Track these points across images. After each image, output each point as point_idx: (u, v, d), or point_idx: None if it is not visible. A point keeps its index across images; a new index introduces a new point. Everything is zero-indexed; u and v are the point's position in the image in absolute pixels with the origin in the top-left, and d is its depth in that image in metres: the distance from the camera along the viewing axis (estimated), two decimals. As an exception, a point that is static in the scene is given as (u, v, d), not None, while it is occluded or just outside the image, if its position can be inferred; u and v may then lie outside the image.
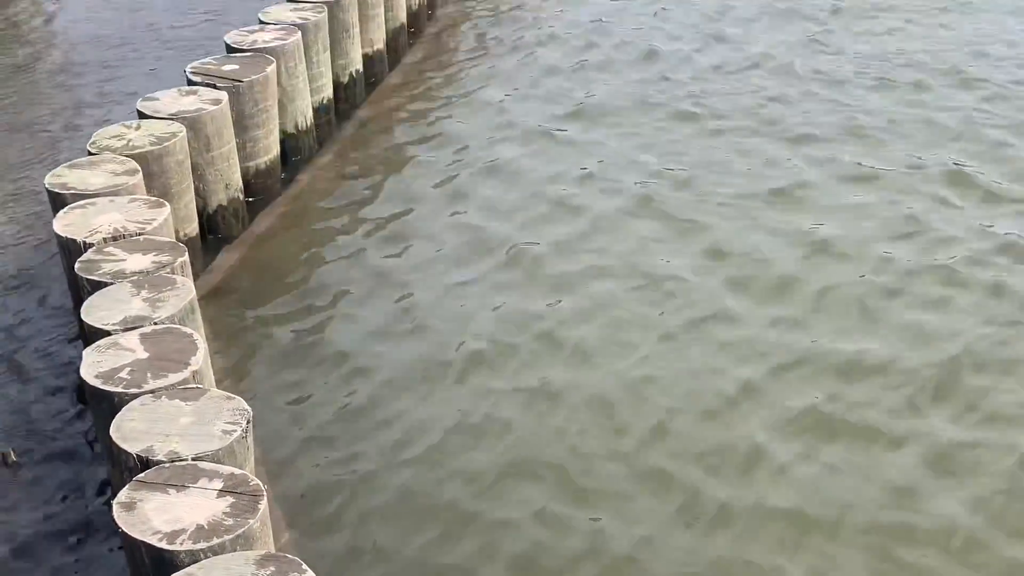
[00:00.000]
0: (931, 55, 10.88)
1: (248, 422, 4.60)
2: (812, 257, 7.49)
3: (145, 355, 4.97)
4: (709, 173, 8.66)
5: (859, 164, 8.71)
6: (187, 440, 4.47)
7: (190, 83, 8.05)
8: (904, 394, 6.15)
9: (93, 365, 4.92)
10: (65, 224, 6.17)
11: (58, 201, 6.48)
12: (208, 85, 7.94)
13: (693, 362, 6.47)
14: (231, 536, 3.99)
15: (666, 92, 10.15)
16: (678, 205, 8.20)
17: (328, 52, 9.49)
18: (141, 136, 7.14)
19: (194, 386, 4.83)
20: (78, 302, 5.70)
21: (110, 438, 4.51)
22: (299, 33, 8.84)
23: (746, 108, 9.80)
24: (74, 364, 6.32)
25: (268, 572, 3.82)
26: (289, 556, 3.91)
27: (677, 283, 7.21)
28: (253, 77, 8.06)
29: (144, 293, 5.46)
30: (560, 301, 7.05)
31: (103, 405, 4.82)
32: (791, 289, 7.14)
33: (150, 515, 4.10)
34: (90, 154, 6.98)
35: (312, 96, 9.23)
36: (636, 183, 8.51)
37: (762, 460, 5.70)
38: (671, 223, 7.96)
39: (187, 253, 5.93)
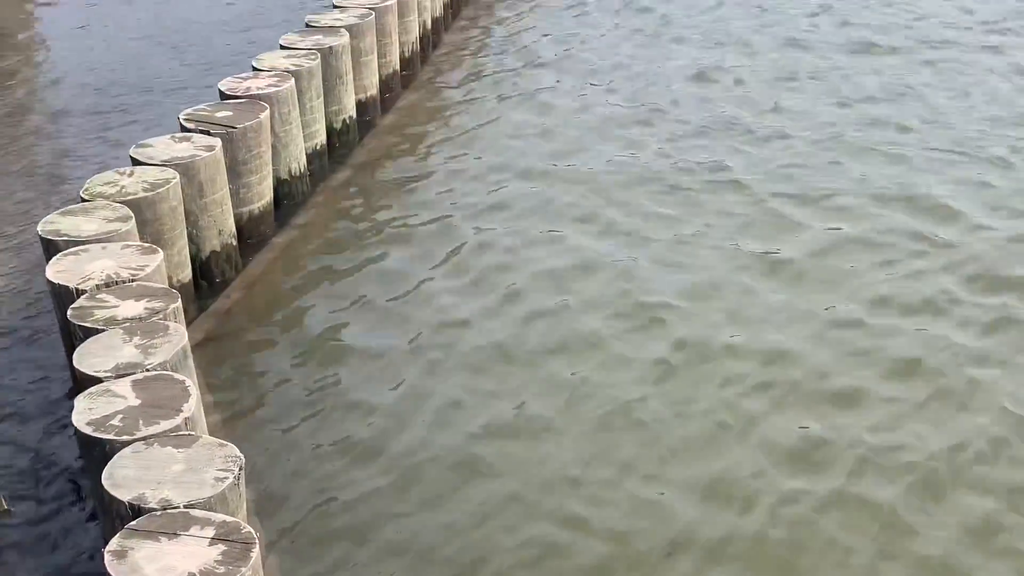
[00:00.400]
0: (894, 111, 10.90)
1: (240, 469, 4.58)
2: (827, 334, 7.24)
3: (137, 402, 4.96)
4: (694, 231, 8.62)
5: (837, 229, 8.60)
6: (179, 487, 4.44)
7: (184, 130, 8.08)
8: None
9: (85, 412, 4.91)
10: (58, 271, 6.17)
11: (51, 248, 6.49)
12: (202, 132, 7.98)
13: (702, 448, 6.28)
14: (223, 584, 3.97)
15: (650, 152, 10.09)
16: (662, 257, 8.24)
17: (321, 99, 9.55)
18: (134, 183, 7.16)
19: (186, 433, 4.81)
20: (71, 349, 5.69)
21: (102, 486, 4.49)
22: (292, 80, 8.90)
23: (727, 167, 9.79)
24: (66, 411, 6.29)
25: (260, 621, 3.79)
26: (281, 604, 3.89)
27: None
28: (246, 123, 8.10)
29: (136, 340, 5.46)
30: (558, 353, 7.02)
31: (95, 452, 4.80)
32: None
33: (141, 563, 4.07)
34: (83, 200, 7.00)
35: (305, 142, 9.28)
36: (622, 242, 8.55)
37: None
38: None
39: (180, 299, 5.94)
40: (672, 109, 10.89)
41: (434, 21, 13.17)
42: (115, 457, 4.63)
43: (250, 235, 8.39)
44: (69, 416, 5.03)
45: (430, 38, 13.00)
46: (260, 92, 8.61)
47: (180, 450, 4.66)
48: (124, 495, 4.41)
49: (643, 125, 10.58)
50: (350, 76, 10.10)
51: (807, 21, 13.49)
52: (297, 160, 9.09)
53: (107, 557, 4.12)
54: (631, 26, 13.55)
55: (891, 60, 12.12)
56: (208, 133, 7.95)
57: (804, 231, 8.48)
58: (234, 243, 8.06)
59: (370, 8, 10.70)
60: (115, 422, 4.82)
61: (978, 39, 12.73)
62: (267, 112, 8.37)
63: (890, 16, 13.57)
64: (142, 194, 7.03)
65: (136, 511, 4.36)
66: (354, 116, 10.30)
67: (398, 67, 11.57)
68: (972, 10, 13.80)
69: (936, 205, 8.84)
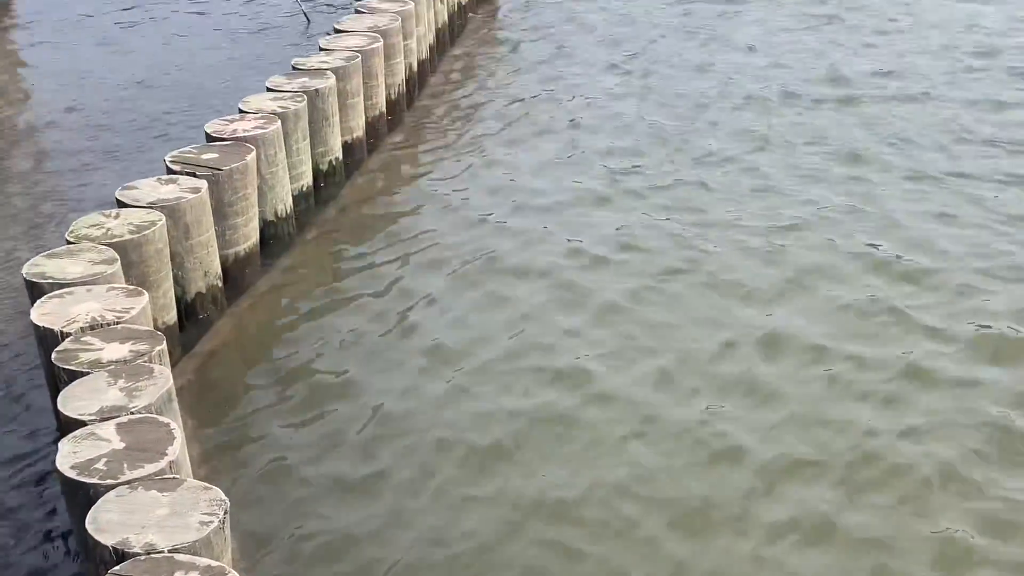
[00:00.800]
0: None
1: (225, 513, 4.55)
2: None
3: (121, 445, 4.93)
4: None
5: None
6: (163, 532, 4.41)
7: (170, 171, 8.09)
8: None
9: (69, 456, 4.88)
10: (42, 313, 6.14)
11: (36, 290, 6.47)
12: (188, 173, 7.98)
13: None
14: (207, 630, 3.93)
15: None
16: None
17: (308, 140, 9.57)
18: (120, 225, 7.16)
19: (171, 476, 4.78)
20: (55, 392, 5.66)
21: (85, 530, 4.45)
22: (279, 122, 8.92)
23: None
24: (50, 454, 6.25)
25: (245, 667, 3.75)
26: (267, 650, 3.85)
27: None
28: (233, 165, 8.12)
29: (121, 382, 5.43)
30: (534, 396, 7.02)
31: (78, 496, 4.76)
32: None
33: (125, 609, 4.04)
34: (68, 243, 6.98)
35: (292, 183, 9.29)
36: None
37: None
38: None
39: (165, 341, 5.92)
40: (658, 166, 10.68)
41: (420, 64, 13.23)
42: (99, 501, 4.60)
43: (236, 277, 8.38)
44: (52, 459, 5.00)
45: (416, 81, 13.06)
46: (246, 134, 8.63)
47: (165, 494, 4.62)
48: (108, 540, 4.37)
49: (622, 182, 10.34)
50: (336, 118, 10.14)
51: (796, 76, 13.31)
52: (283, 201, 9.10)
53: (90, 603, 4.08)
54: (617, 77, 13.48)
55: (872, 110, 12.07)
56: (194, 175, 7.95)
57: (795, 297, 8.22)
58: (219, 284, 8.04)
59: (356, 51, 10.76)
60: (99, 466, 4.79)
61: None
62: (253, 154, 8.39)
63: (874, 63, 13.60)
64: (128, 236, 7.02)
65: (120, 556, 4.32)
66: (340, 158, 10.33)
67: (384, 109, 11.61)
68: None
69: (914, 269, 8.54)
